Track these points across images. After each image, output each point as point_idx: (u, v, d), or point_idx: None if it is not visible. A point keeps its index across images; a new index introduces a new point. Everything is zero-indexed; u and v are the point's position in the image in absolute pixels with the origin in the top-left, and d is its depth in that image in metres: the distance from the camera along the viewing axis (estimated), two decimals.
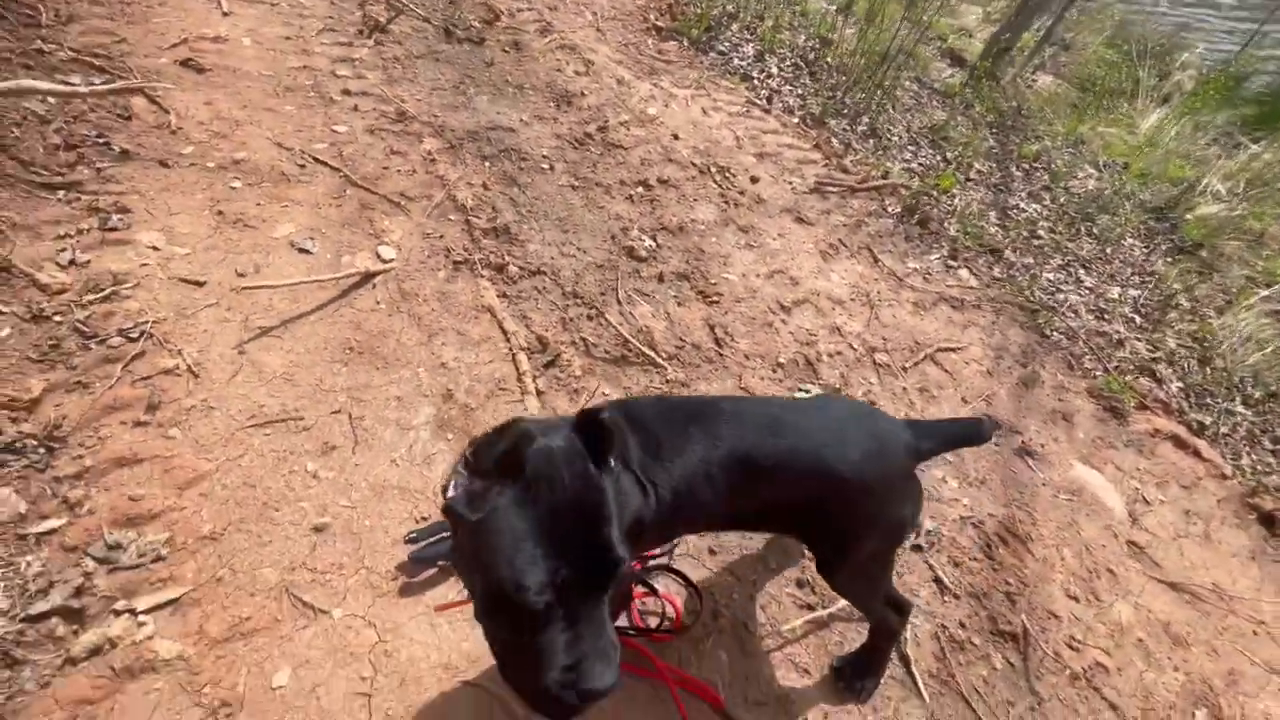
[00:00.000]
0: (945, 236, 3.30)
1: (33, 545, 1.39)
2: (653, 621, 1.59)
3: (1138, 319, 3.52)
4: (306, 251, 2.23)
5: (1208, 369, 3.31)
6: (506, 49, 3.54)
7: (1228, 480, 2.47)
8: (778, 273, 2.67)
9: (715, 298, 2.48)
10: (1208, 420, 2.90)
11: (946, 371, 2.50)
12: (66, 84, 2.26)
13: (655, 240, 2.64)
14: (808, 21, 5.27)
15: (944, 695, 1.62)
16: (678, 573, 1.68)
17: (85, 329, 1.76)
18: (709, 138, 3.36)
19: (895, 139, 4.54)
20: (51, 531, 1.42)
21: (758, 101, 4.03)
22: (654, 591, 1.60)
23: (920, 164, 4.33)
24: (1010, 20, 6.33)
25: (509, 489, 0.81)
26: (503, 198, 2.64)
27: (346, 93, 2.90)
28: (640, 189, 2.89)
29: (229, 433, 1.72)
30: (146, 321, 1.84)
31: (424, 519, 1.66)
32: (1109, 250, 4.24)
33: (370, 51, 3.20)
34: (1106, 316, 3.47)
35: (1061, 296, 3.51)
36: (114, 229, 2.03)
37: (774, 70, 4.70)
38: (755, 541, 1.81)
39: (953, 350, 2.60)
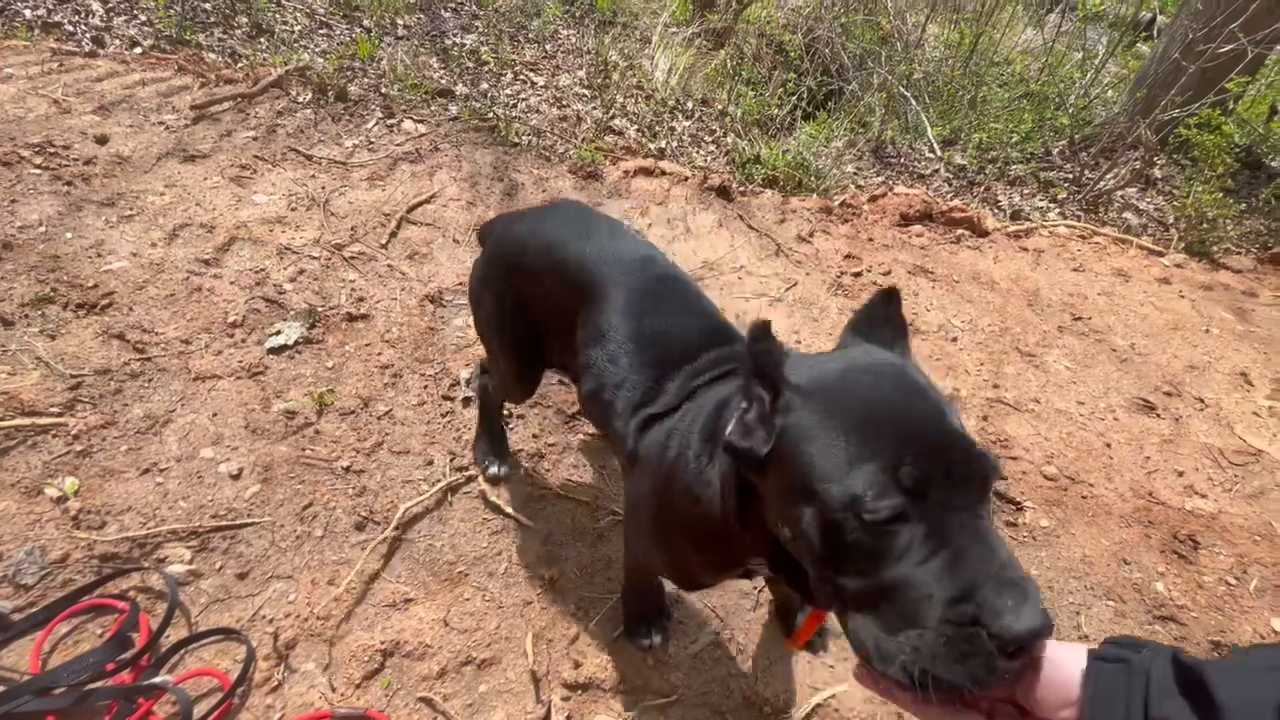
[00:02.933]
0: (374, 101, 3.00)
1: None
2: (201, 711, 1.18)
3: (588, 93, 3.81)
4: None
5: (651, 104, 3.78)
6: None
7: (689, 180, 2.87)
8: (183, 228, 2.09)
9: (105, 301, 1.83)
10: (662, 144, 3.34)
11: (428, 224, 2.33)
12: None
13: None
14: None
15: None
16: (193, 638, 1.27)
17: None
18: (2, 117, 2.40)
19: (297, 29, 3.94)
20: None
21: (75, 50, 3.02)
22: (158, 689, 1.17)
23: (339, 44, 3.87)
24: None
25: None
26: None
27: None
28: None
29: None
30: None
31: None
32: (549, 48, 4.44)
33: None
34: (564, 103, 3.67)
35: (523, 104, 3.59)
36: None
37: (95, 7, 3.58)
38: (284, 526, 1.46)
39: (426, 202, 2.43)
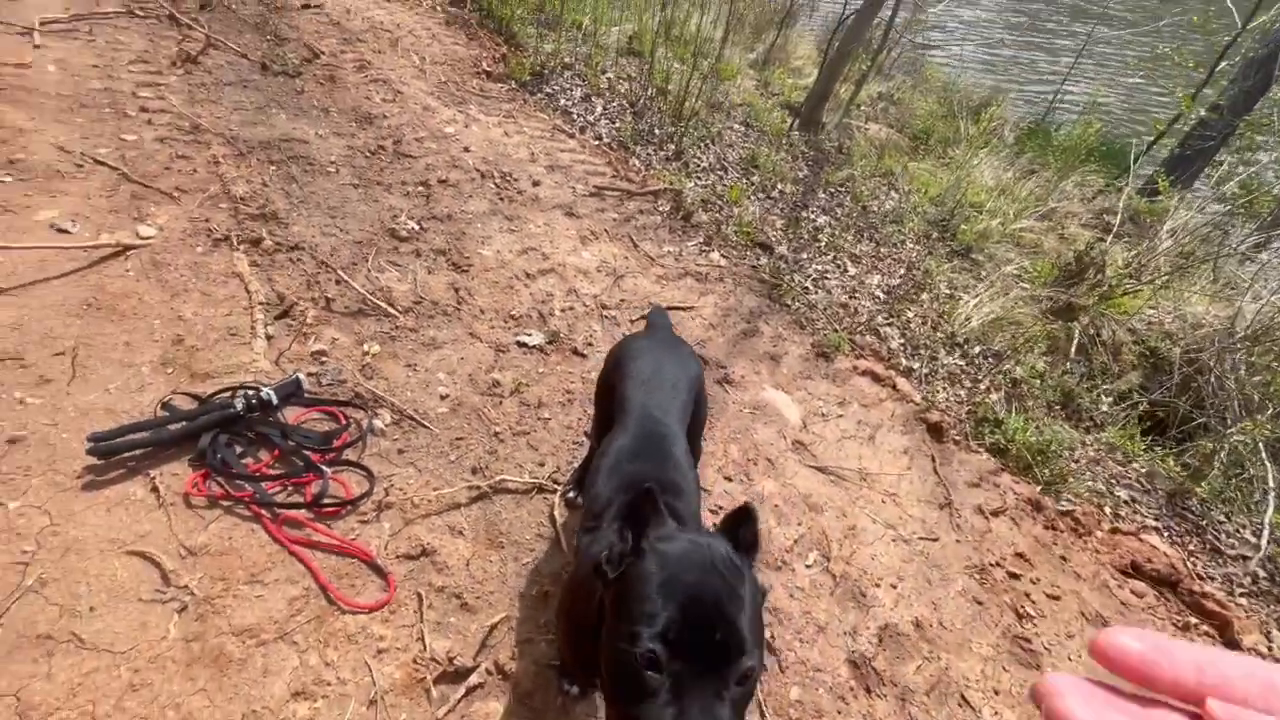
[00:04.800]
0: (707, 229, 3.81)
1: None
2: (329, 501, 1.82)
3: (882, 296, 4.10)
4: (65, 231, 2.44)
5: (937, 331, 3.89)
6: (321, 82, 3.94)
7: (909, 403, 2.94)
8: (531, 249, 3.06)
9: (466, 267, 2.83)
10: (915, 365, 3.42)
11: (674, 323, 2.91)
12: None
13: (421, 225, 2.99)
14: (648, 74, 5.93)
15: None
16: (355, 463, 1.94)
17: None
18: (501, 152, 3.81)
19: (704, 164, 5.13)
20: None
21: (565, 129, 4.56)
22: (320, 473, 1.85)
23: (725, 185, 4.92)
24: (818, 77, 7.29)
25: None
26: (279, 191, 2.94)
27: (143, 110, 3.19)
28: (421, 188, 3.27)
29: None
30: None
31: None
32: (884, 250, 4.88)
33: (179, 79, 3.52)
34: (857, 295, 4.03)
35: (824, 282, 4.07)
36: None
37: (599, 110, 5.28)
38: (440, 441, 2.09)
39: (684, 309, 3.03)
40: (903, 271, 4.62)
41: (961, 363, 3.67)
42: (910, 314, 4.00)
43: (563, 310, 2.78)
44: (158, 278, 2.39)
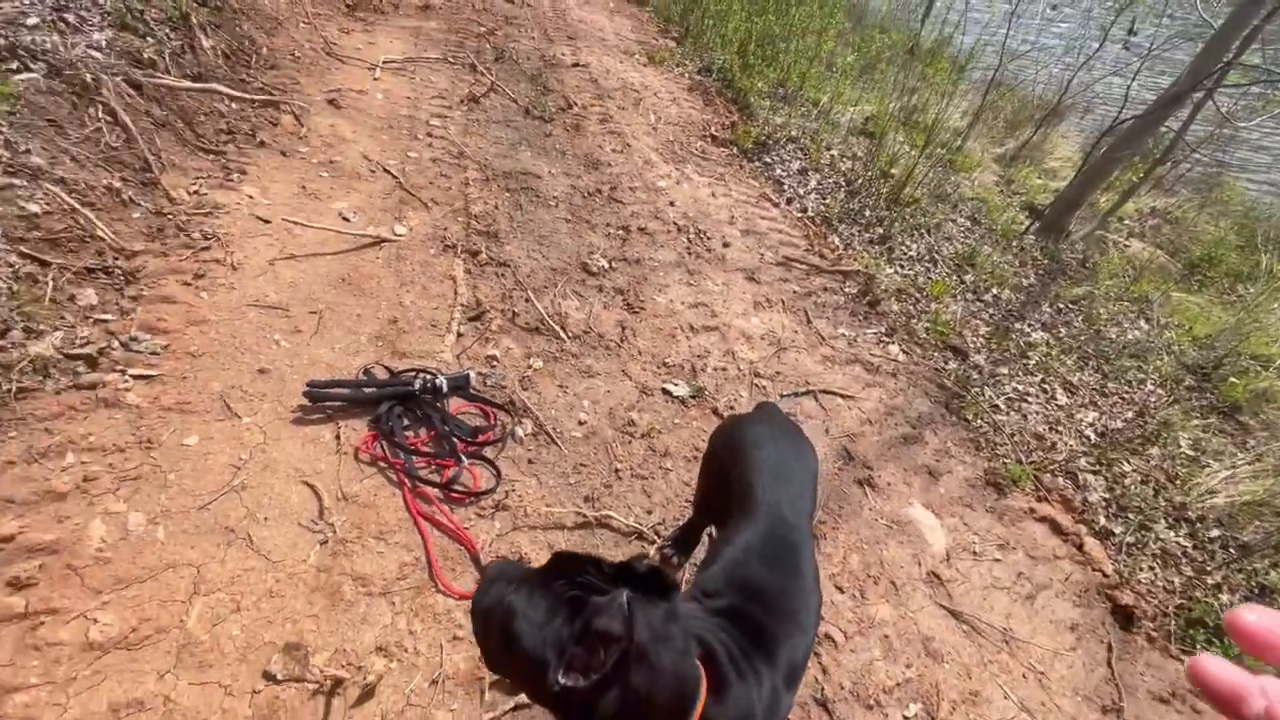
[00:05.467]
0: (891, 319, 3.59)
1: (90, 324, 2.18)
2: (459, 488, 2.04)
3: (1094, 437, 3.48)
4: (347, 219, 3.09)
5: (1159, 496, 3.19)
6: (567, 129, 4.51)
7: (1095, 571, 2.44)
8: (702, 305, 3.15)
9: (638, 309, 3.00)
10: (1118, 529, 2.82)
11: (823, 408, 2.78)
12: (239, 93, 3.41)
13: (611, 264, 3.25)
14: (873, 155, 5.87)
15: None
16: (489, 461, 2.13)
17: (182, 227, 2.67)
18: (703, 211, 4.00)
19: (910, 253, 4.87)
20: (104, 319, 2.21)
21: (772, 198, 4.65)
22: (460, 461, 2.06)
23: (929, 278, 4.61)
24: (1073, 181, 6.55)
25: None
26: (504, 215, 3.41)
27: (429, 134, 3.93)
28: (621, 231, 3.56)
29: (237, 305, 2.49)
30: (221, 232, 2.72)
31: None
32: (1111, 385, 4.18)
33: (462, 114, 4.28)
34: (1060, 429, 3.48)
35: (1021, 405, 3.59)
36: (230, 180, 3.02)
37: (813, 184, 5.31)
38: (566, 463, 2.21)
39: (841, 395, 2.87)
40: (1131, 415, 3.89)
41: (1186, 543, 2.95)
42: (1127, 467, 3.34)
43: (715, 369, 2.80)
44: (395, 268, 2.90)
